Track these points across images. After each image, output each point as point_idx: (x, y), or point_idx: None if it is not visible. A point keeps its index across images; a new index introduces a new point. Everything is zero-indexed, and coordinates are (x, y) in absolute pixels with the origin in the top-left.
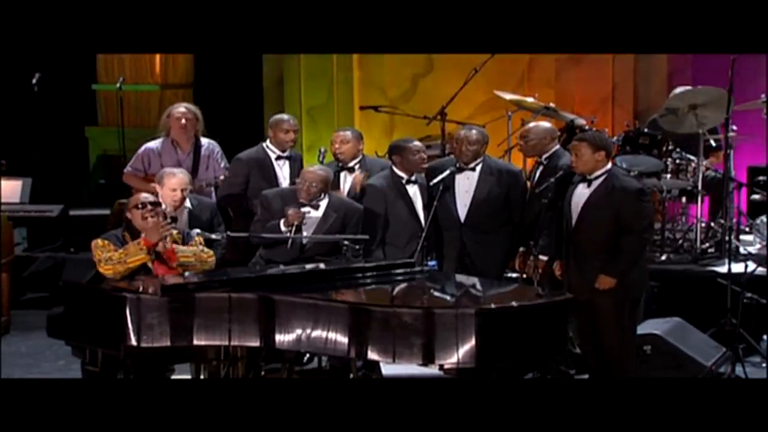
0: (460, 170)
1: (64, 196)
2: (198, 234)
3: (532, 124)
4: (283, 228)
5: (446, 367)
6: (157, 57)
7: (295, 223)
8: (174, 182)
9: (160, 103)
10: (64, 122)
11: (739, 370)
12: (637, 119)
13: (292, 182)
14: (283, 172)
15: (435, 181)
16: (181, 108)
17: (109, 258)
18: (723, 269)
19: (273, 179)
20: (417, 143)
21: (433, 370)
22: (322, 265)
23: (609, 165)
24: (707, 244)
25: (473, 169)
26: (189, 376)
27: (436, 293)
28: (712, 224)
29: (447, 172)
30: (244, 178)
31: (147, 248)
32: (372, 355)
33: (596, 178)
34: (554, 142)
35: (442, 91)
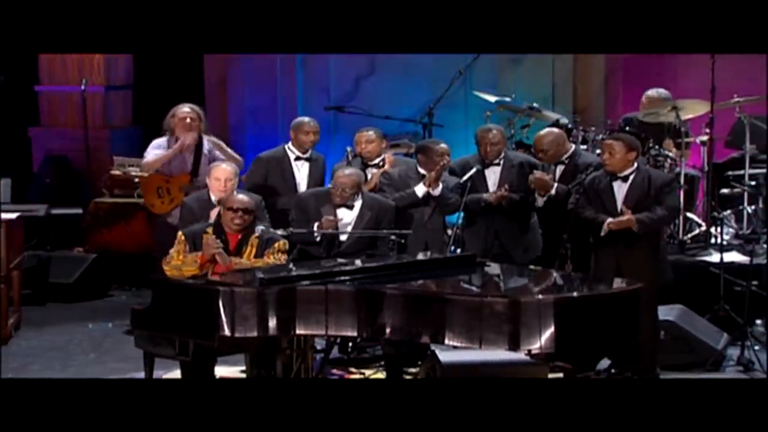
0: (487, 166)
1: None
2: (277, 239)
3: (542, 133)
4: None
5: (533, 352)
6: (98, 58)
7: (329, 230)
8: (218, 173)
9: (103, 105)
10: (6, 123)
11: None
12: (576, 118)
13: (311, 183)
14: (301, 173)
15: (464, 178)
16: (185, 108)
17: (171, 259)
18: (708, 258)
19: (291, 180)
20: (444, 146)
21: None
22: (358, 262)
23: (636, 164)
24: (688, 236)
25: (498, 164)
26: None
27: (509, 283)
28: (696, 217)
29: (474, 170)
30: (262, 176)
31: (200, 263)
32: (455, 342)
33: (630, 174)
34: (567, 142)
35: (383, 91)
